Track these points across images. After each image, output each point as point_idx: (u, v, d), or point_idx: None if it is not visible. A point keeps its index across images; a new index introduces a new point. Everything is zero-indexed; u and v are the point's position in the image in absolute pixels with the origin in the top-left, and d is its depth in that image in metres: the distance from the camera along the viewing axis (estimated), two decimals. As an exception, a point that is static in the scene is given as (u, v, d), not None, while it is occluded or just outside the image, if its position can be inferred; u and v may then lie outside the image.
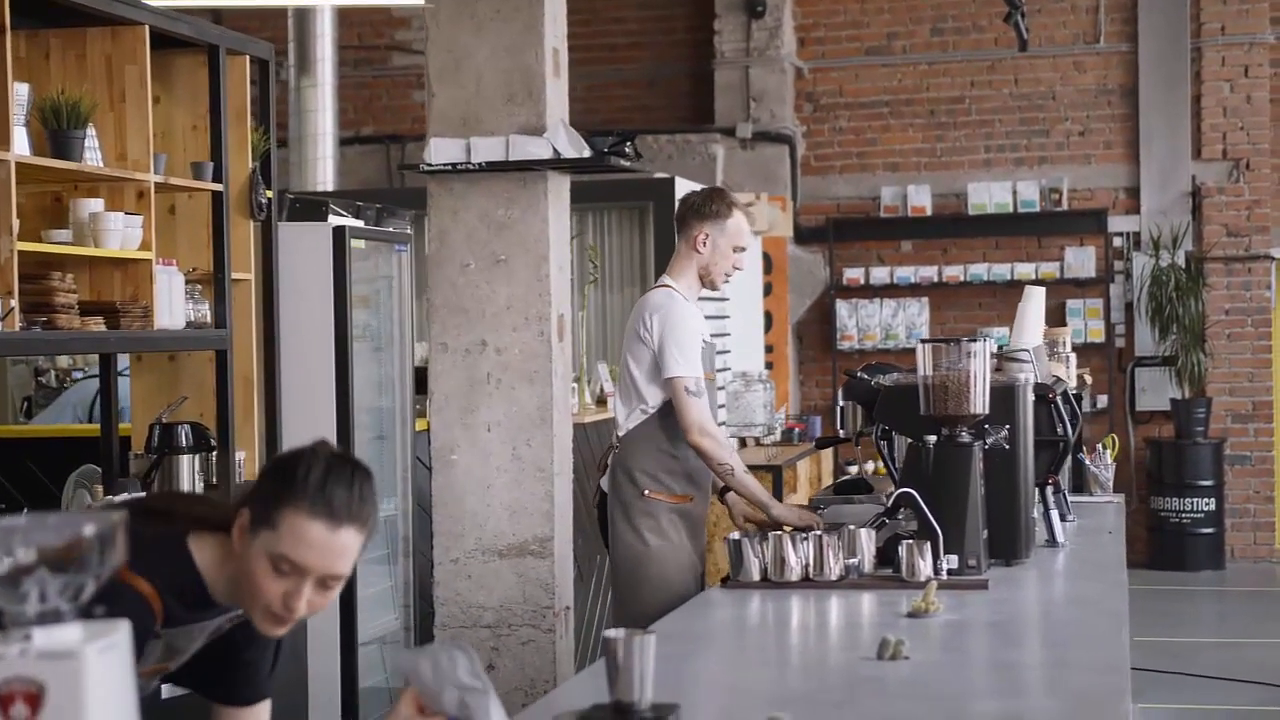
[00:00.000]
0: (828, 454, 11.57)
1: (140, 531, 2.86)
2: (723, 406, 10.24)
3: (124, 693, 1.92)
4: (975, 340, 4.71)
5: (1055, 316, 12.77)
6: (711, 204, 5.48)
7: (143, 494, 5.46)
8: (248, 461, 6.16)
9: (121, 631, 1.91)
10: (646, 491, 5.41)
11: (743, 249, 5.50)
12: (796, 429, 11.42)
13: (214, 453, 5.92)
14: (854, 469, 10.86)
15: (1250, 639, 10.37)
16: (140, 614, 2.79)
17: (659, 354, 5.35)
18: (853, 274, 13.44)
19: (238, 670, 3.08)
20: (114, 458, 5.99)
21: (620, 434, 5.51)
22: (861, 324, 13.42)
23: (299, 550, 2.76)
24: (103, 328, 5.34)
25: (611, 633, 2.89)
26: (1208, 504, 12.71)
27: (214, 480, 5.93)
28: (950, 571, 4.52)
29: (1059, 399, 5.33)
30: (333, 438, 6.55)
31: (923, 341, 4.75)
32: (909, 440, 4.84)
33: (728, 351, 10.78)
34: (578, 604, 7.09)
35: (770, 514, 5.32)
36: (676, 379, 5.32)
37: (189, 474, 5.76)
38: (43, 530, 1.90)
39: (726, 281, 5.62)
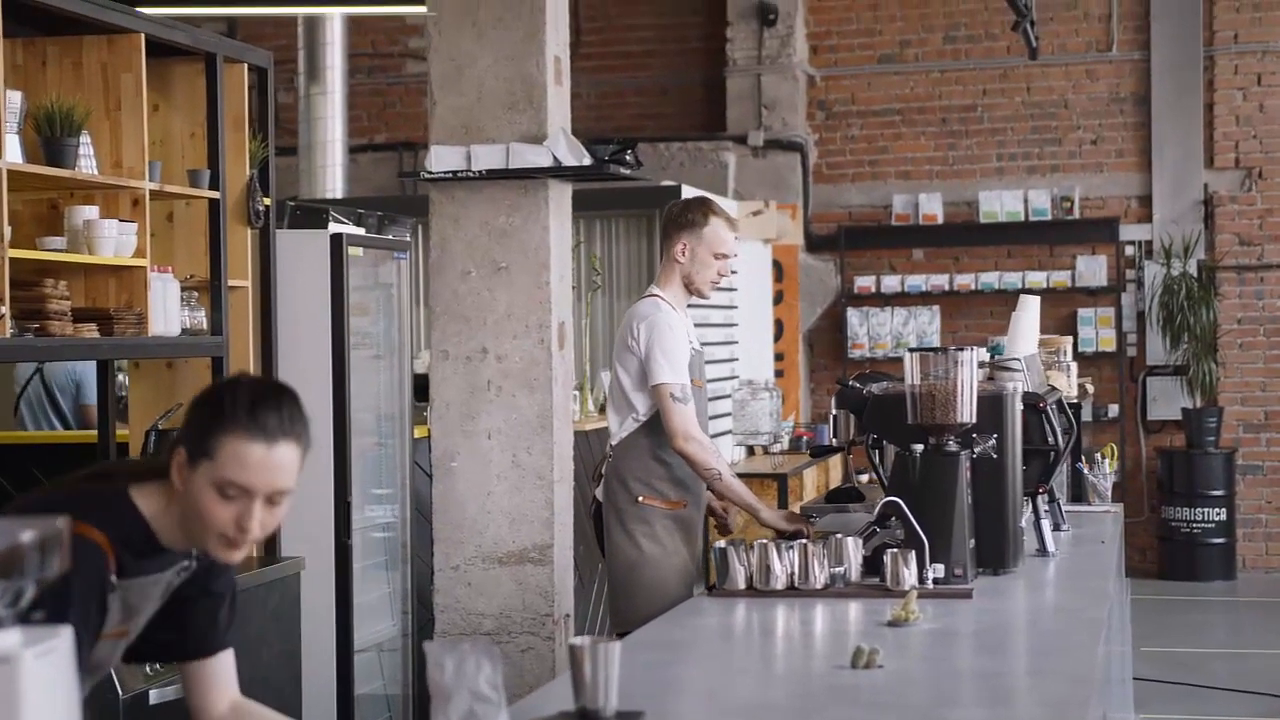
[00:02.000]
0: (836, 462, 11.55)
1: (84, 489, 2.98)
2: (727, 415, 10.25)
3: (64, 698, 1.93)
4: (963, 350, 4.70)
5: (1066, 325, 12.74)
6: (689, 213, 5.51)
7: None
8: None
9: (62, 637, 1.93)
10: (640, 498, 5.44)
11: (725, 256, 5.50)
12: (805, 437, 11.41)
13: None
14: (864, 477, 10.86)
15: (1260, 649, 10.32)
16: (95, 561, 2.87)
17: (645, 362, 5.40)
18: (864, 282, 13.42)
19: (194, 621, 3.15)
20: (111, 464, 6.02)
21: (613, 443, 5.54)
22: (873, 332, 13.40)
23: (241, 472, 2.85)
24: (96, 334, 5.36)
25: (576, 640, 2.92)
26: (1219, 514, 12.66)
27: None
28: (936, 580, 4.51)
29: (1050, 408, 5.31)
30: (330, 444, 6.57)
31: (910, 350, 4.75)
32: (897, 449, 4.83)
33: (736, 360, 10.79)
34: (578, 611, 7.08)
35: (759, 518, 5.35)
36: (662, 385, 5.35)
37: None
38: (-18, 536, 1.92)
39: (721, 288, 5.62)
